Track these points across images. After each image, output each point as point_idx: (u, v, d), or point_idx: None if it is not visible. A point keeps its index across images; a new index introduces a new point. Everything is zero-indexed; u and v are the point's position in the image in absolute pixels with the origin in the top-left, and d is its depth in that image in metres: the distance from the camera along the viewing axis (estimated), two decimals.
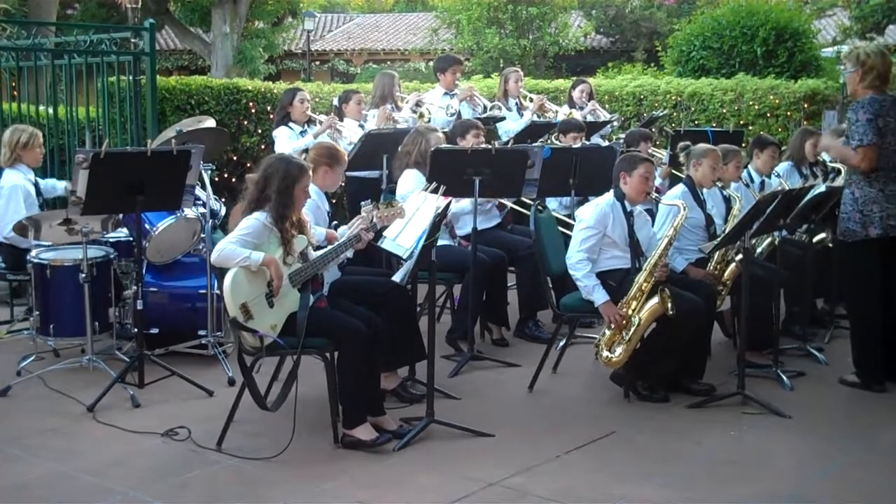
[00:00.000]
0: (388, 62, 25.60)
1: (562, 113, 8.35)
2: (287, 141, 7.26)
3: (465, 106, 8.08)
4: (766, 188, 6.64)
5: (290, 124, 7.39)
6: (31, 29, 9.77)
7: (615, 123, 9.26)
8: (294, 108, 7.41)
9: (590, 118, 8.50)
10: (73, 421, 4.81)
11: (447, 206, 4.59)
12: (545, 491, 4.03)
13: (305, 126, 7.44)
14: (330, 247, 4.64)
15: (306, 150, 5.63)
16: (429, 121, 7.46)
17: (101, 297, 5.55)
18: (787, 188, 5.90)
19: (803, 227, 6.34)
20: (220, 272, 4.46)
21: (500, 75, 9.14)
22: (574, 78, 9.93)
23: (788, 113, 9.78)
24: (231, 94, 10.06)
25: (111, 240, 6.03)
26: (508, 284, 6.44)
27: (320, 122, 7.43)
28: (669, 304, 4.98)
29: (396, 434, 4.53)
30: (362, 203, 4.77)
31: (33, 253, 5.68)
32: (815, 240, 6.44)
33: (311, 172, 4.64)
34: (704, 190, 5.89)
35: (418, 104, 7.78)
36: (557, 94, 10.25)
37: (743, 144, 7.94)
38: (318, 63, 28.15)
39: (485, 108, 8.10)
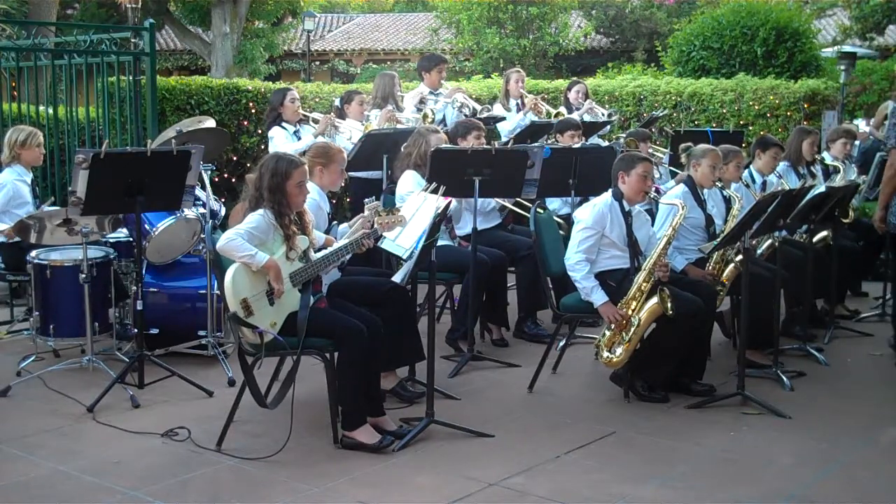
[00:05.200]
0: (388, 62, 25.58)
1: (555, 114, 8.29)
2: (284, 141, 7.24)
3: (450, 108, 7.98)
4: (767, 188, 6.64)
5: (283, 124, 7.37)
6: (31, 29, 9.81)
7: (615, 118, 9.21)
8: (285, 107, 7.39)
9: (587, 117, 8.47)
10: (73, 421, 4.81)
11: (447, 206, 4.59)
12: (545, 491, 4.03)
13: (298, 125, 7.43)
14: (330, 249, 4.64)
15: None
16: (432, 121, 7.45)
17: (100, 297, 5.55)
18: (787, 188, 5.91)
19: (803, 228, 6.34)
20: (220, 271, 4.46)
21: (502, 76, 9.10)
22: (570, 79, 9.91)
23: (788, 113, 9.78)
24: (231, 95, 10.07)
25: (111, 240, 6.03)
26: (508, 285, 6.44)
27: (314, 121, 7.42)
28: (669, 305, 4.98)
29: (396, 434, 4.53)
30: (366, 200, 4.77)
31: (33, 253, 5.68)
32: (814, 239, 6.44)
33: (305, 167, 4.63)
34: (705, 190, 5.89)
35: (422, 102, 7.77)
36: (557, 95, 10.25)
37: (743, 145, 7.94)
38: (318, 63, 28.15)
39: (474, 111, 7.91)
